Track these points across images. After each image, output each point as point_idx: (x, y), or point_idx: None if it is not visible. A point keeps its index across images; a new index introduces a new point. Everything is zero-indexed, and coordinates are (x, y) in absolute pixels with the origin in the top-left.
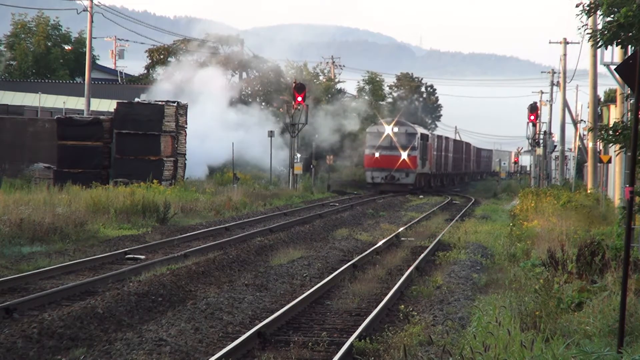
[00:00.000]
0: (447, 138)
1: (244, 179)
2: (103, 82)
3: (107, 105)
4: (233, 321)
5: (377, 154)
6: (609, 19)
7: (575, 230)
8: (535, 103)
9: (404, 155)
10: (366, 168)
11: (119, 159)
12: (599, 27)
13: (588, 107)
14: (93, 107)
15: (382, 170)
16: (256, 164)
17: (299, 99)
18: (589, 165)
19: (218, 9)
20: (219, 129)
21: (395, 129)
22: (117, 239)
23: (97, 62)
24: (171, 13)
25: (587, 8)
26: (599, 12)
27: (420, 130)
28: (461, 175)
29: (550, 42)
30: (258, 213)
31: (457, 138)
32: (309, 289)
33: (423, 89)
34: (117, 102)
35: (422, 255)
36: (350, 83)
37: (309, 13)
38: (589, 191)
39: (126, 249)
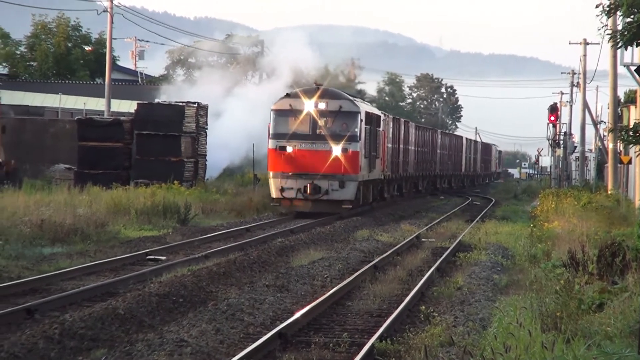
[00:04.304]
0: (407, 122)
1: (264, 180)
2: (123, 83)
3: (127, 106)
4: (254, 322)
5: (289, 149)
6: (629, 19)
7: (595, 231)
8: (555, 104)
9: (337, 150)
10: (272, 173)
11: (140, 159)
12: (619, 27)
13: (608, 108)
14: (113, 108)
15: (298, 176)
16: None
17: None
18: (609, 166)
19: (239, 10)
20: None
21: (322, 105)
22: (138, 240)
23: (118, 62)
24: (191, 14)
25: (607, 9)
26: (619, 13)
27: (365, 107)
28: (434, 177)
29: (570, 43)
30: (279, 214)
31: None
32: (329, 290)
33: (443, 90)
34: (138, 103)
35: (443, 256)
36: (370, 84)
37: (329, 14)
38: (609, 192)
39: (147, 250)
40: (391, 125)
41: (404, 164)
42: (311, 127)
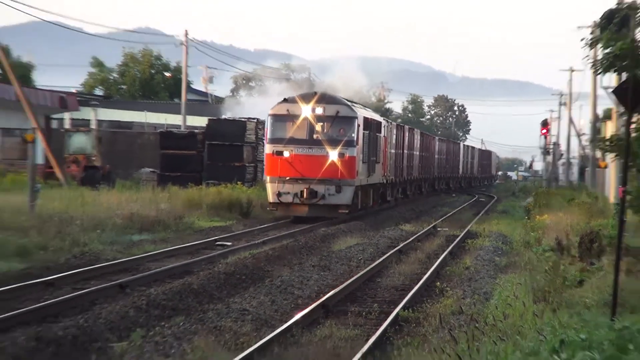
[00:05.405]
0: (411, 129)
1: None
2: (196, 102)
3: (200, 121)
4: (302, 295)
5: (286, 154)
6: (607, 51)
7: (577, 222)
8: (546, 119)
9: (334, 155)
10: (269, 178)
11: (210, 164)
12: (599, 57)
13: (589, 123)
14: (188, 123)
15: (295, 181)
16: None
17: None
18: (589, 170)
19: (291, 42)
20: None
21: (319, 110)
22: (208, 229)
23: (191, 86)
24: (251, 46)
25: (590, 42)
26: (599, 45)
27: (363, 112)
28: (433, 180)
29: (559, 70)
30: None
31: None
32: (363, 269)
33: (455, 108)
34: (208, 119)
35: (455, 242)
36: (396, 104)
37: (358, 48)
38: (589, 191)
39: (216, 237)
40: (394, 131)
41: (408, 168)
42: (308, 132)
